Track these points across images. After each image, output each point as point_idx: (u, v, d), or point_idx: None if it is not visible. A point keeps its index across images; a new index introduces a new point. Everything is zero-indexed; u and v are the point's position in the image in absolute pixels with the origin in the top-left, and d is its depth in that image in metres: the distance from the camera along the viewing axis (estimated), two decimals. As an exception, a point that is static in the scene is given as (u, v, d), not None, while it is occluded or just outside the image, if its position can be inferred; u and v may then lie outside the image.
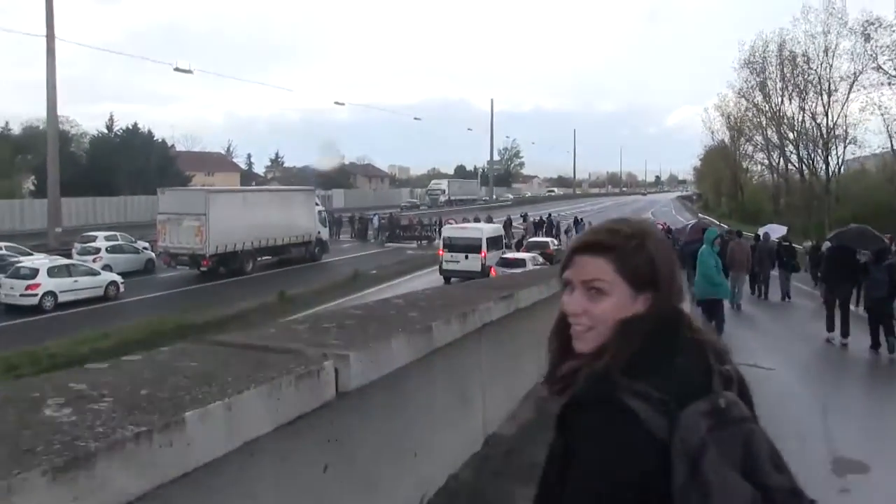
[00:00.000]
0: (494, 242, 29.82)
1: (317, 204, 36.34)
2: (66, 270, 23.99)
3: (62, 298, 23.02)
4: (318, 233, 35.10)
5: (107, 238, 31.93)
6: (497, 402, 4.45)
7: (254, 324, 21.83)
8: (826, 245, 18.32)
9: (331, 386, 2.01)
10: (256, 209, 30.02)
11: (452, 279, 29.38)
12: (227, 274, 29.12)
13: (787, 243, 21.26)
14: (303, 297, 24.30)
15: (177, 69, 38.70)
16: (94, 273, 24.86)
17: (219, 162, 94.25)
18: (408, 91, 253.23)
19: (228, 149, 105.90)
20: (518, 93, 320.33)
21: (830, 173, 46.23)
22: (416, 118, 74.08)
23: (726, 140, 73.91)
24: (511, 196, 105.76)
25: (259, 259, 31.80)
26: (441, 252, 28.94)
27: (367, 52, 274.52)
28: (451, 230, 30.24)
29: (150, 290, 27.05)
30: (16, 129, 65.97)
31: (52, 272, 23.16)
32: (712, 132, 75.63)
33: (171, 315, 19.71)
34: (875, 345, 11.82)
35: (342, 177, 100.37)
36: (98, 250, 28.38)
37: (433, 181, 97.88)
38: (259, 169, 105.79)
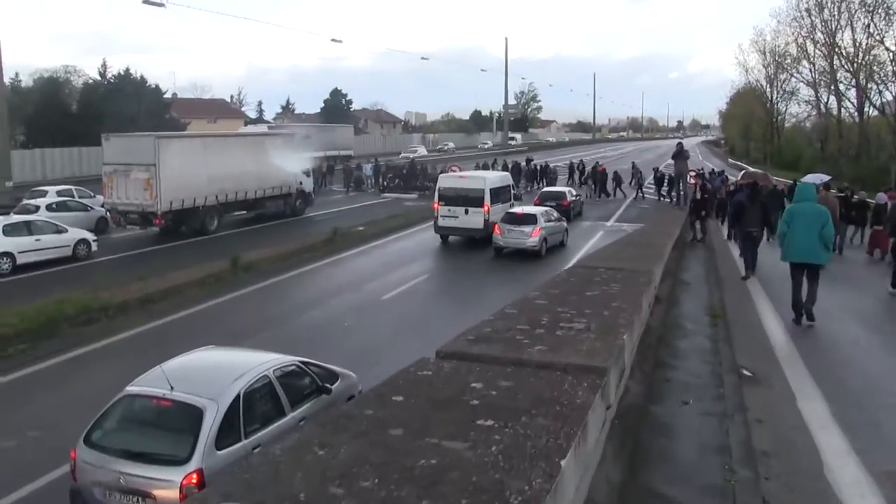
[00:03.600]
0: (499, 194, 25.30)
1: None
2: (26, 228, 20.70)
3: (22, 260, 19.84)
4: (300, 183, 30.71)
5: (59, 193, 27.85)
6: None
7: (191, 299, 18.03)
8: None
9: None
10: (221, 157, 25.60)
11: (450, 238, 25.18)
12: (189, 233, 25.00)
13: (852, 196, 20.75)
14: (262, 263, 20.13)
15: (146, 1, 34.09)
16: (60, 230, 21.18)
17: (222, 108, 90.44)
18: (426, 38, 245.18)
19: (239, 96, 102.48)
20: (538, 39, 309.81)
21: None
22: (423, 58, 67.73)
23: (762, 79, 68.00)
24: (516, 140, 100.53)
25: (230, 214, 27.62)
26: (436, 206, 24.52)
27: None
28: (447, 179, 25.70)
29: (117, 251, 23.09)
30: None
31: (8, 231, 19.94)
32: (746, 70, 69.47)
33: (81, 292, 15.60)
34: None
35: (351, 123, 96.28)
36: (37, 208, 24.30)
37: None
38: (270, 117, 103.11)
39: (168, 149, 23.53)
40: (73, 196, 27.73)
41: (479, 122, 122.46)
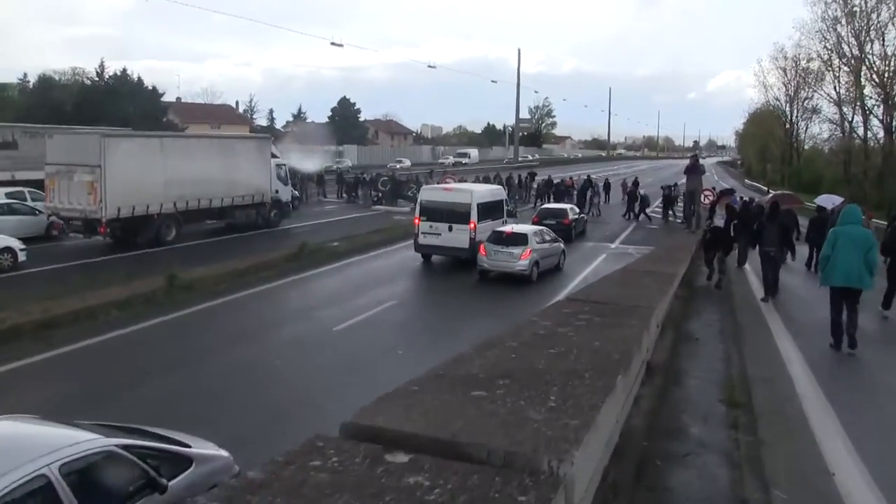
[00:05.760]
0: (489, 210, 22.55)
1: (276, 156, 29.19)
2: None
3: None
4: (276, 192, 28.06)
5: (8, 195, 25.34)
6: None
7: (104, 324, 15.32)
8: None
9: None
10: (183, 161, 22.93)
11: (433, 257, 22.44)
12: (143, 244, 22.38)
13: None
14: (207, 281, 17.45)
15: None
16: (-23, 238, 18.72)
17: (227, 114, 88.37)
18: (446, 51, 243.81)
19: (250, 103, 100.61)
20: (557, 55, 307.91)
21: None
22: (429, 66, 65.52)
23: (780, 97, 65.06)
24: (529, 157, 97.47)
25: (197, 224, 25.05)
26: (417, 221, 21.79)
27: (409, 12, 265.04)
28: (430, 192, 22.92)
29: (53, 261, 20.48)
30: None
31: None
32: (766, 87, 66.54)
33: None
34: None
35: (360, 132, 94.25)
36: (-23, 210, 21.87)
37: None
38: (280, 125, 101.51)
39: (116, 148, 20.85)
40: (24, 198, 25.23)
41: (491, 135, 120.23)
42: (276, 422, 9.22)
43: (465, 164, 77.27)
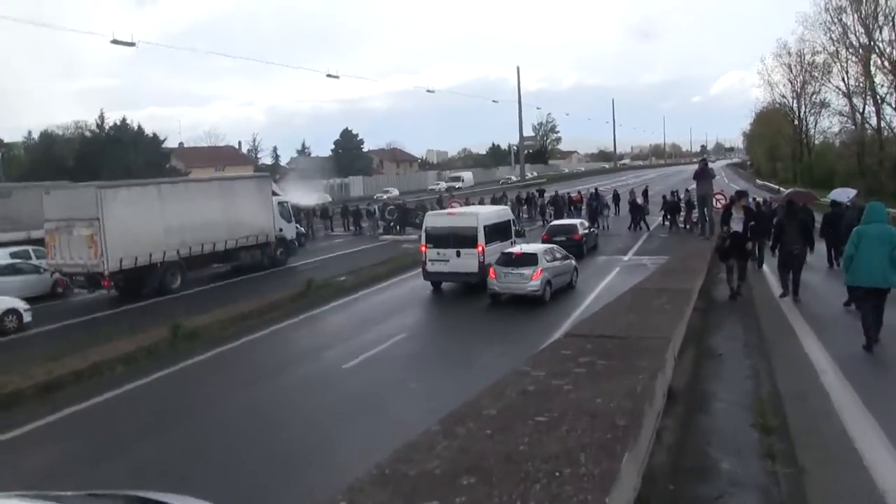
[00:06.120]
0: (497, 231, 22.06)
1: (276, 194, 28.87)
2: None
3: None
4: (280, 230, 27.71)
5: (13, 255, 25.11)
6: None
7: (109, 381, 14.88)
8: None
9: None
10: (181, 206, 22.65)
11: (444, 284, 21.93)
12: (150, 293, 22.04)
13: None
14: (212, 328, 17.03)
15: (114, 41, 32.11)
16: (-22, 300, 18.41)
17: (230, 155, 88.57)
18: (444, 75, 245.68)
19: (254, 142, 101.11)
20: (557, 71, 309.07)
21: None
22: (428, 90, 65.38)
23: (787, 94, 64.33)
24: (534, 174, 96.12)
25: (204, 268, 24.73)
26: (423, 248, 21.32)
27: (408, 40, 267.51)
28: (435, 218, 22.44)
29: (59, 319, 20.16)
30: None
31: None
32: (771, 85, 65.80)
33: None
34: None
35: (364, 163, 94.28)
36: (-18, 272, 21.62)
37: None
38: (285, 161, 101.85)
39: (114, 199, 20.59)
40: (29, 257, 25.00)
41: (497, 156, 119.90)
42: (273, 478, 8.69)
43: (459, 188, 72.02)
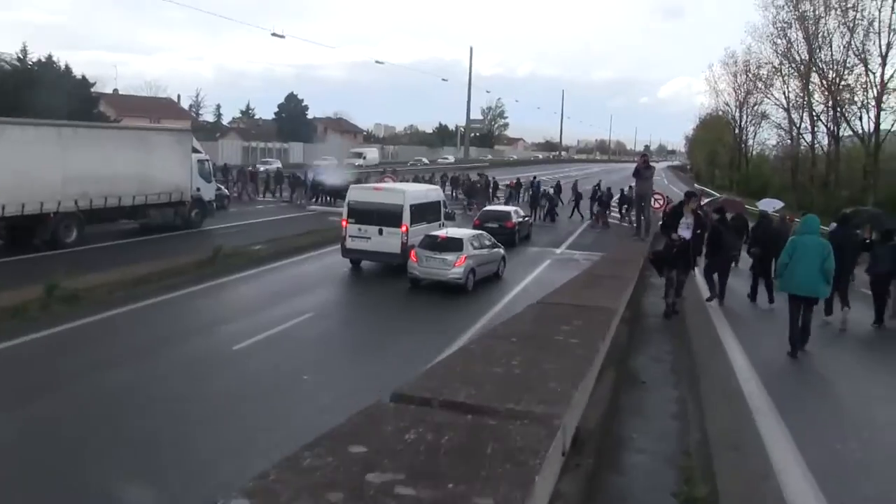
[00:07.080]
0: (425, 211, 20.88)
1: (198, 151, 26.85)
2: None
3: None
4: (198, 190, 25.83)
5: None
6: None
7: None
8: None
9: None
10: (85, 153, 20.54)
11: (363, 263, 20.65)
12: (40, 246, 20.01)
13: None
14: (99, 291, 15.32)
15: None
16: None
17: (168, 109, 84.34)
18: (401, 51, 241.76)
19: (196, 98, 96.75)
20: (513, 58, 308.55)
21: (880, 140, 36.81)
22: (377, 61, 63.44)
23: (731, 102, 65.06)
24: (483, 157, 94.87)
25: (111, 223, 22.80)
26: (345, 223, 19.96)
27: (368, 11, 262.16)
28: (359, 192, 21.05)
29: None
30: None
31: None
32: (717, 92, 66.56)
33: None
34: None
35: (308, 130, 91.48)
36: None
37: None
38: (227, 121, 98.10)
39: (0, 136, 18.46)
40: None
41: (443, 135, 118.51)
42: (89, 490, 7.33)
43: (360, 165, 60.71)
